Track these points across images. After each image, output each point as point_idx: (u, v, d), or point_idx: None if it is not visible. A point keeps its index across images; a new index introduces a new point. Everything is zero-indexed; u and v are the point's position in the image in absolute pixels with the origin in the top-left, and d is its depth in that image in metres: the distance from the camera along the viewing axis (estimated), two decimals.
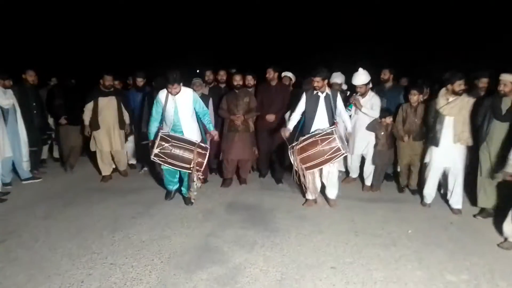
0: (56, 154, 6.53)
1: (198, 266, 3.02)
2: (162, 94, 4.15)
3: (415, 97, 4.59)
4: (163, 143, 3.95)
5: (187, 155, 4.01)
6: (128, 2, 12.05)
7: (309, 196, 4.35)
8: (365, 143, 4.91)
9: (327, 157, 3.96)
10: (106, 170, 5.44)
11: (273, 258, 3.17)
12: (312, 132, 4.17)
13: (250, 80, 5.37)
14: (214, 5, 12.54)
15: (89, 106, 5.27)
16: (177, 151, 3.99)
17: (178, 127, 4.21)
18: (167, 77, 3.99)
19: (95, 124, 5.28)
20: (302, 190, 4.41)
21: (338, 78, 5.32)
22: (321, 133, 4.03)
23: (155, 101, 4.21)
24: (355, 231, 3.72)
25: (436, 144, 4.13)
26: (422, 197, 4.48)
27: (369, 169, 4.99)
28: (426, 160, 4.32)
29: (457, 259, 3.17)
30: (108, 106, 5.30)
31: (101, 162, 5.42)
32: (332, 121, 4.22)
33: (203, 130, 4.42)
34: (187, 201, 4.40)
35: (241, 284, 2.78)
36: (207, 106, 4.70)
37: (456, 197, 4.19)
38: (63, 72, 6.55)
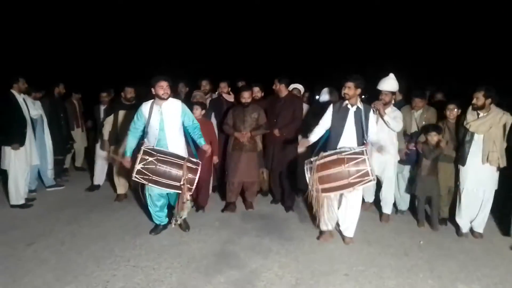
0: (78, 163, 6.80)
1: (216, 270, 3.15)
2: (146, 106, 3.67)
3: (454, 112, 4.10)
4: (147, 157, 3.44)
5: (175, 170, 3.47)
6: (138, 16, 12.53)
7: (323, 227, 3.78)
8: (383, 163, 4.21)
9: (351, 181, 3.32)
10: (121, 188, 5.09)
11: (288, 264, 3.29)
12: (337, 149, 3.59)
13: (257, 92, 5.00)
14: (222, 16, 12.84)
15: (109, 120, 5.02)
16: (164, 167, 3.45)
17: (162, 144, 3.67)
18: (157, 76, 3.57)
19: (113, 138, 4.98)
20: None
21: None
22: (349, 151, 3.42)
23: (136, 114, 3.70)
24: (368, 241, 3.81)
25: (463, 164, 3.87)
26: (457, 227, 4.07)
27: (388, 194, 4.39)
28: (457, 182, 4.02)
29: (468, 269, 3.24)
30: (128, 119, 4.90)
31: (116, 179, 5.05)
32: (362, 141, 3.63)
33: (193, 146, 3.90)
34: (184, 226, 3.93)
35: None
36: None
37: (480, 220, 3.94)
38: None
